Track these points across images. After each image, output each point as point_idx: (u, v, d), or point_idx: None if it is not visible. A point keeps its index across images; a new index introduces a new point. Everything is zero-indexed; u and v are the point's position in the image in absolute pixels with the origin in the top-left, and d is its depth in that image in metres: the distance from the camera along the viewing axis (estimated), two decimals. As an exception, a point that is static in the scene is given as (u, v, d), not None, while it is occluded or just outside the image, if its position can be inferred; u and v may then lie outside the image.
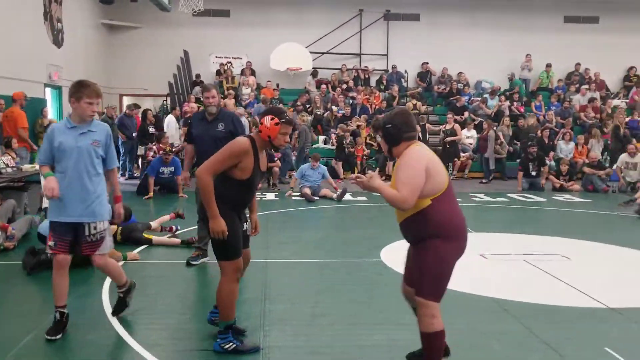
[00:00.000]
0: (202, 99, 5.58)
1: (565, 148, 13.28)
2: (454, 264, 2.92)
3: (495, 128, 13.25)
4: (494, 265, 5.57)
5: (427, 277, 2.87)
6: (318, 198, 9.70)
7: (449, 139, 13.41)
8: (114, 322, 3.83)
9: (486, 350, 3.54)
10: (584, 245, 6.53)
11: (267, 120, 3.26)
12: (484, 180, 12.75)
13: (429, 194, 2.83)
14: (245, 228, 3.47)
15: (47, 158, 3.63)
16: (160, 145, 10.75)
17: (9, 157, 8.02)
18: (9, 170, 7.64)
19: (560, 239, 6.74)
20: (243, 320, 3.82)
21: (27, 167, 8.16)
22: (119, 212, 3.92)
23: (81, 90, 3.57)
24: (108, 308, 4.11)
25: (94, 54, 15.82)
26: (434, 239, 2.85)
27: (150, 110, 13.05)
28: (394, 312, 4.06)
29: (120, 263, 5.14)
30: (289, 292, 4.62)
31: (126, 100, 16.79)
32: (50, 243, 3.59)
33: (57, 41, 13.33)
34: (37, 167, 3.95)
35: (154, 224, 6.55)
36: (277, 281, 4.91)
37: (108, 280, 4.76)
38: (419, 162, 2.83)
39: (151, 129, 12.04)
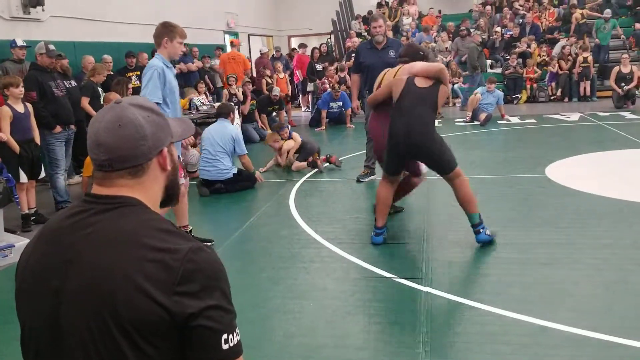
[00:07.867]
0: (365, 32, 5.97)
1: None
2: None
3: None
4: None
5: None
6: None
7: (628, 87, 10.75)
8: (302, 223, 4.61)
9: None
10: None
11: None
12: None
13: None
14: None
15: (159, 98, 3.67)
16: (329, 77, 11.41)
17: (204, 96, 9.35)
18: (204, 107, 8.95)
19: None
20: (407, 223, 4.35)
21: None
22: None
23: (174, 30, 3.77)
24: (295, 211, 4.93)
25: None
26: None
27: (317, 48, 13.80)
28: (552, 218, 4.26)
29: None
30: (449, 201, 4.98)
31: (294, 41, 17.86)
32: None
33: (231, -10, 14.57)
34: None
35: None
36: (437, 192, 5.29)
37: (294, 190, 5.63)
38: None
39: (318, 66, 12.80)
